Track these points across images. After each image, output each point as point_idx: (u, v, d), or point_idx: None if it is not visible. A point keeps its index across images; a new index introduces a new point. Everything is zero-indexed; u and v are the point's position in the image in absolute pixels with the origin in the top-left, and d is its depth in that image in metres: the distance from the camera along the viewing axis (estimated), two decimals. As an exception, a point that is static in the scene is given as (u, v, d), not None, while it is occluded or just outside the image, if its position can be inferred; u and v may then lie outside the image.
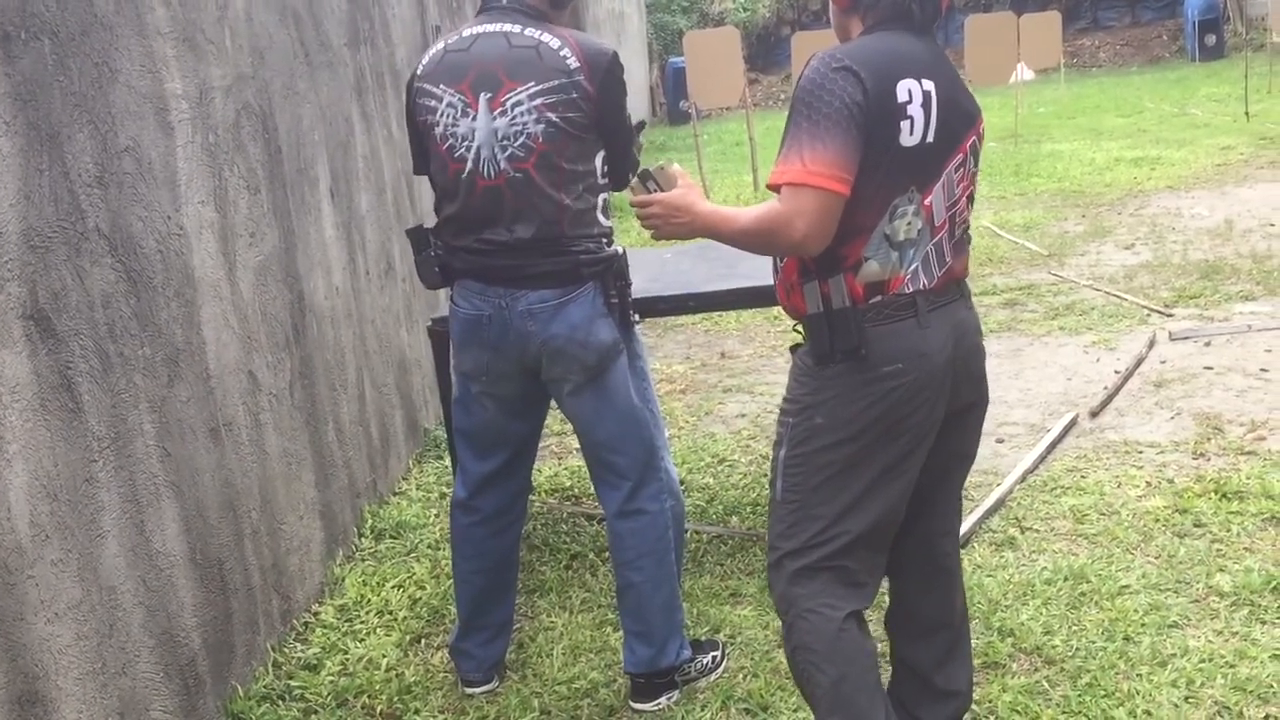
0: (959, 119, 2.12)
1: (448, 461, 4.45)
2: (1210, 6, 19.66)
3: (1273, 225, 7.22)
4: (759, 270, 3.65)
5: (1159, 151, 10.33)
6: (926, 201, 2.11)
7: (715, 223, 2.16)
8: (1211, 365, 4.79)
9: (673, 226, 2.20)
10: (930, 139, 2.07)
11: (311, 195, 3.70)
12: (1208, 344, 5.06)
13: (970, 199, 2.21)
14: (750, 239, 2.11)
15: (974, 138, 2.17)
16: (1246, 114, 11.89)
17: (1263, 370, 4.68)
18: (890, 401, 2.11)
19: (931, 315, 2.13)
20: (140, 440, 2.54)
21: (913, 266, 2.12)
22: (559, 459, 4.49)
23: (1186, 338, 5.13)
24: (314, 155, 3.75)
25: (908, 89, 2.03)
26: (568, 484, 4.20)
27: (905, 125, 2.03)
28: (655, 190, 2.22)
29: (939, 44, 2.20)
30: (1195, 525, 3.42)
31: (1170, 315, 5.49)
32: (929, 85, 2.06)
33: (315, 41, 3.85)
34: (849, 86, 2.00)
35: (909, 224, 2.10)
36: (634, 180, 2.26)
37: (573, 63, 2.57)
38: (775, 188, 2.04)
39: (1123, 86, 16.48)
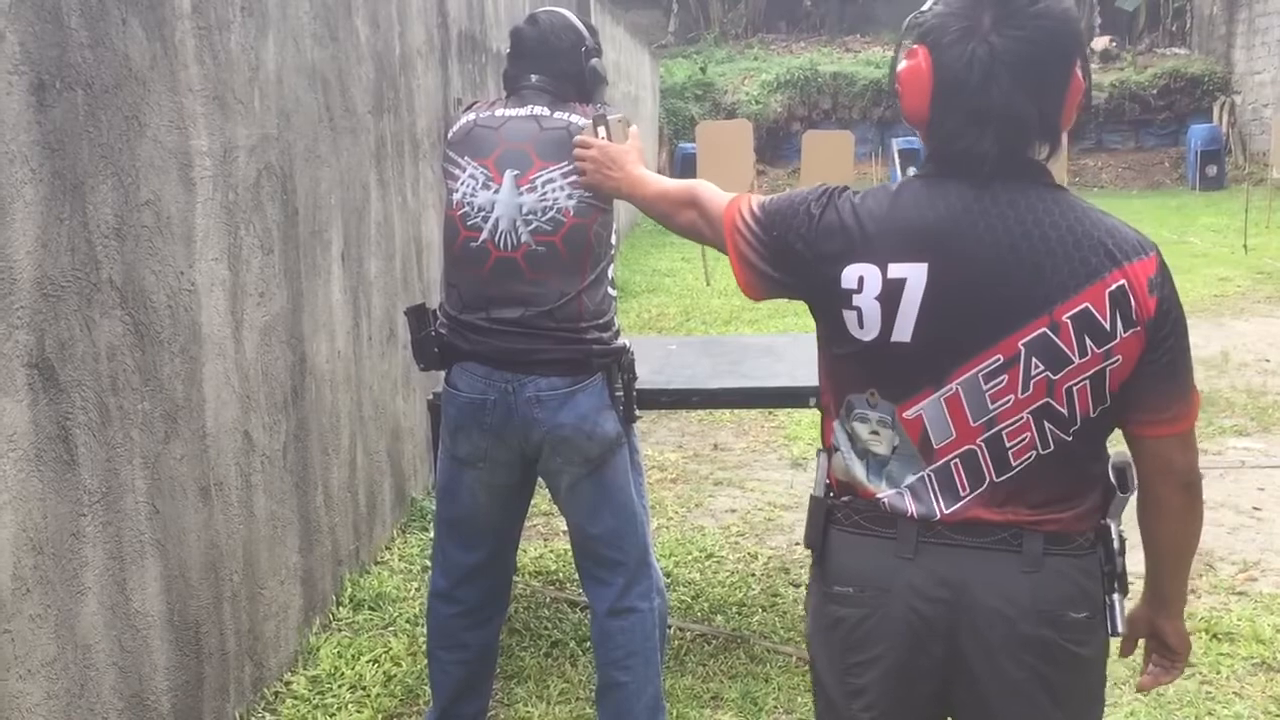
0: (995, 311, 1.60)
1: (432, 533, 4.40)
2: (1213, 138, 20.05)
3: (1268, 361, 7.27)
4: (762, 369, 3.67)
5: (1157, 277, 10.39)
6: (908, 415, 1.65)
7: (635, 183, 2.12)
8: (1205, 500, 4.77)
9: (603, 176, 2.17)
10: (905, 339, 1.62)
11: (323, 258, 3.70)
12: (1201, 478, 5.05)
13: (1061, 420, 1.61)
14: (654, 206, 2.07)
15: (1039, 331, 1.59)
16: (1245, 247, 12.05)
17: (1255, 509, 4.67)
18: (838, 635, 1.73)
19: (926, 548, 1.66)
20: (131, 496, 2.50)
21: (893, 490, 1.68)
22: (545, 540, 4.45)
23: (1180, 468, 5.13)
24: (329, 218, 3.76)
25: (859, 276, 1.63)
26: (552, 568, 4.15)
27: (850, 317, 1.65)
28: (604, 138, 2.21)
29: (1035, 198, 1.62)
30: (1187, 665, 3.38)
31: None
32: (911, 271, 1.60)
33: (341, 107, 3.88)
34: (801, 221, 1.71)
35: (875, 434, 1.68)
36: (588, 123, 2.25)
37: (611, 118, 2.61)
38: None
39: (1124, 209, 16.69)
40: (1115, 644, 1.78)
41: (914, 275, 1.61)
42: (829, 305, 1.68)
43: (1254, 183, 15.45)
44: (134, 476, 2.52)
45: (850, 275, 1.64)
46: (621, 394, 2.68)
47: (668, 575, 3.91)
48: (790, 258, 1.72)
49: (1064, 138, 1.70)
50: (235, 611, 3.03)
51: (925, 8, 1.67)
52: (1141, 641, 1.84)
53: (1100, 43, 23.40)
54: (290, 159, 3.42)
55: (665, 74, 21.49)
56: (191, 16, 2.80)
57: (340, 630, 3.64)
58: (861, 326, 1.65)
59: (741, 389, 3.40)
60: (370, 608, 3.80)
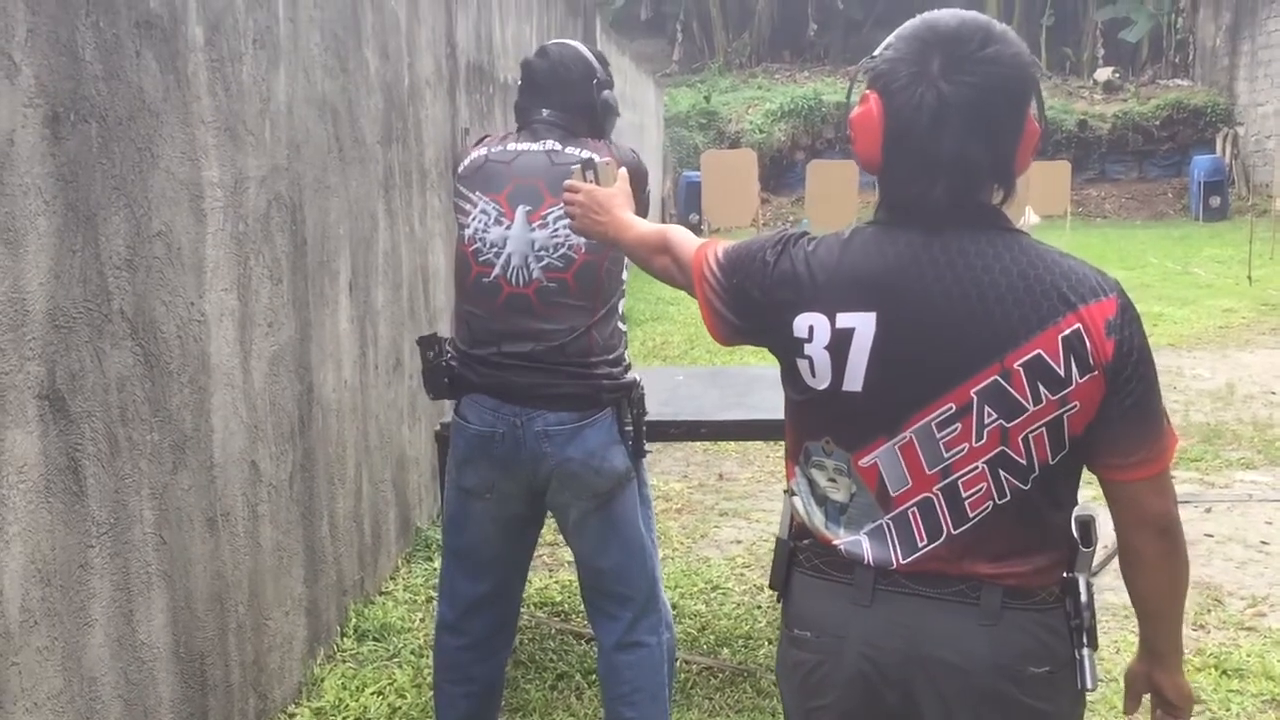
0: (946, 359, 1.57)
1: (437, 564, 4.39)
2: (1216, 169, 20.12)
3: (1274, 393, 7.27)
4: (770, 401, 3.66)
5: (1162, 308, 10.43)
6: (863, 463, 1.63)
7: (620, 227, 2.10)
8: (1212, 533, 4.76)
9: (590, 221, 2.15)
10: (856, 387, 1.60)
11: (331, 288, 3.71)
12: (1208, 510, 5.05)
13: (1017, 468, 1.58)
14: (634, 251, 2.07)
15: (991, 379, 1.55)
16: (1249, 278, 12.05)
17: (1263, 543, 4.66)
18: (798, 679, 1.72)
19: (882, 596, 1.63)
20: (139, 527, 2.50)
21: (851, 537, 1.65)
22: (550, 571, 4.43)
23: (1187, 502, 5.12)
24: (337, 248, 3.77)
25: (809, 325, 1.62)
26: (558, 599, 4.14)
27: (804, 365, 1.64)
28: (591, 181, 2.22)
29: (983, 241, 1.59)
30: (1196, 702, 3.36)
31: (1172, 477, 5.47)
32: (859, 320, 1.59)
33: (350, 137, 3.90)
34: (758, 268, 1.70)
35: (832, 481, 1.67)
36: (576, 167, 2.27)
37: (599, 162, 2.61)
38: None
39: (1127, 239, 16.74)
40: (1094, 697, 1.70)
41: (862, 325, 1.59)
42: (784, 353, 1.67)
43: (1258, 214, 15.48)
44: (142, 507, 2.52)
45: (801, 324, 1.63)
46: (631, 429, 2.68)
47: (674, 607, 3.90)
48: (749, 305, 1.71)
49: (1019, 182, 1.64)
50: (240, 643, 3.02)
51: (877, 52, 1.65)
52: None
53: (1103, 74, 23.53)
54: (300, 189, 3.43)
55: (670, 102, 21.61)
56: (204, 49, 2.81)
57: (345, 661, 3.62)
58: (814, 375, 1.63)
59: (750, 420, 3.39)
60: (375, 638, 3.78)
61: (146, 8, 2.54)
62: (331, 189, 3.71)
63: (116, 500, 2.41)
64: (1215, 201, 19.65)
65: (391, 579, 4.31)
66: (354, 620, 3.83)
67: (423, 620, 3.91)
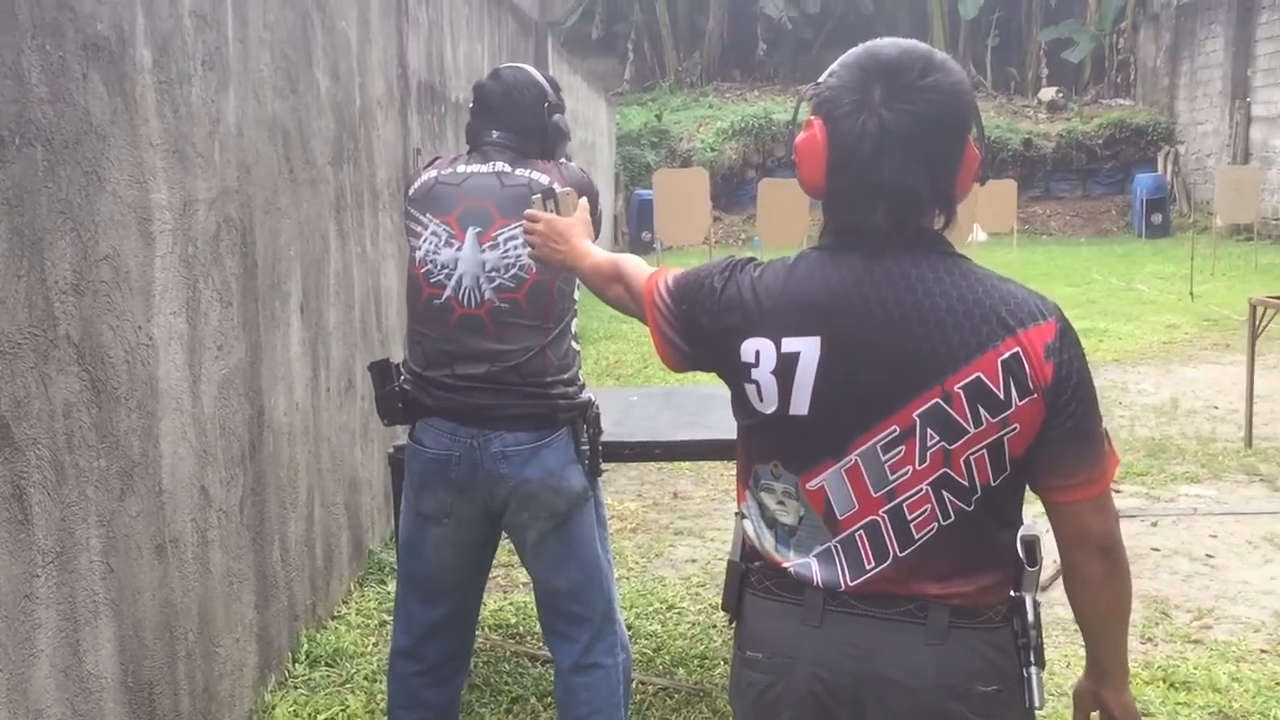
0: (889, 382, 1.59)
1: (390, 587, 4.36)
2: (1158, 187, 20.52)
3: (1216, 408, 7.40)
4: (724, 420, 3.67)
5: (1106, 324, 10.60)
6: (810, 486, 1.64)
7: (577, 256, 2.15)
8: (1158, 547, 4.84)
9: (549, 249, 2.20)
10: (802, 411, 1.62)
11: (282, 310, 3.68)
12: (1154, 524, 5.13)
13: (960, 490, 1.60)
14: (589, 279, 2.12)
15: (932, 402, 1.57)
16: (1191, 294, 12.28)
17: (1208, 556, 4.74)
18: (750, 700, 1.73)
19: (832, 617, 1.65)
20: (86, 555, 2.46)
21: (801, 560, 1.67)
22: (505, 593, 4.41)
23: (1134, 516, 5.20)
24: (288, 270, 3.74)
25: (755, 350, 1.63)
26: (513, 621, 4.12)
27: (751, 390, 1.65)
28: (552, 211, 2.24)
29: (929, 267, 1.62)
30: (1145, 714, 3.41)
31: (1119, 491, 5.57)
32: (804, 344, 1.61)
33: (301, 159, 3.87)
34: (705, 295, 1.71)
35: (781, 504, 1.68)
36: (537, 196, 2.28)
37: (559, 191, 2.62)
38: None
39: (1072, 256, 17.01)
40: (1043, 714, 1.72)
41: (807, 349, 1.61)
42: (732, 378, 1.69)
43: (1198, 231, 15.81)
44: (89, 535, 2.47)
45: (748, 349, 1.64)
46: (587, 448, 2.68)
47: (629, 627, 3.89)
48: (697, 331, 1.73)
49: (959, 208, 1.67)
50: (190, 671, 2.97)
51: (821, 79, 1.67)
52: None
53: (1047, 93, 23.92)
54: (250, 211, 3.41)
55: (621, 121, 21.67)
56: (153, 71, 2.79)
57: (296, 688, 3.58)
58: (761, 399, 1.64)
59: (705, 440, 3.40)
60: (327, 664, 3.74)
61: (94, 30, 2.51)
62: (282, 210, 3.68)
63: (63, 528, 2.37)
64: (1157, 218, 20.03)
65: (344, 603, 4.27)
66: (306, 646, 3.78)
67: (376, 645, 3.88)
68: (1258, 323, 6.38)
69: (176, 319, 2.90)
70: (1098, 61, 24.58)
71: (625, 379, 8.49)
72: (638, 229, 18.47)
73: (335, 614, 4.16)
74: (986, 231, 16.23)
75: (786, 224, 11.09)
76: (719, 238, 18.03)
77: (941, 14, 24.98)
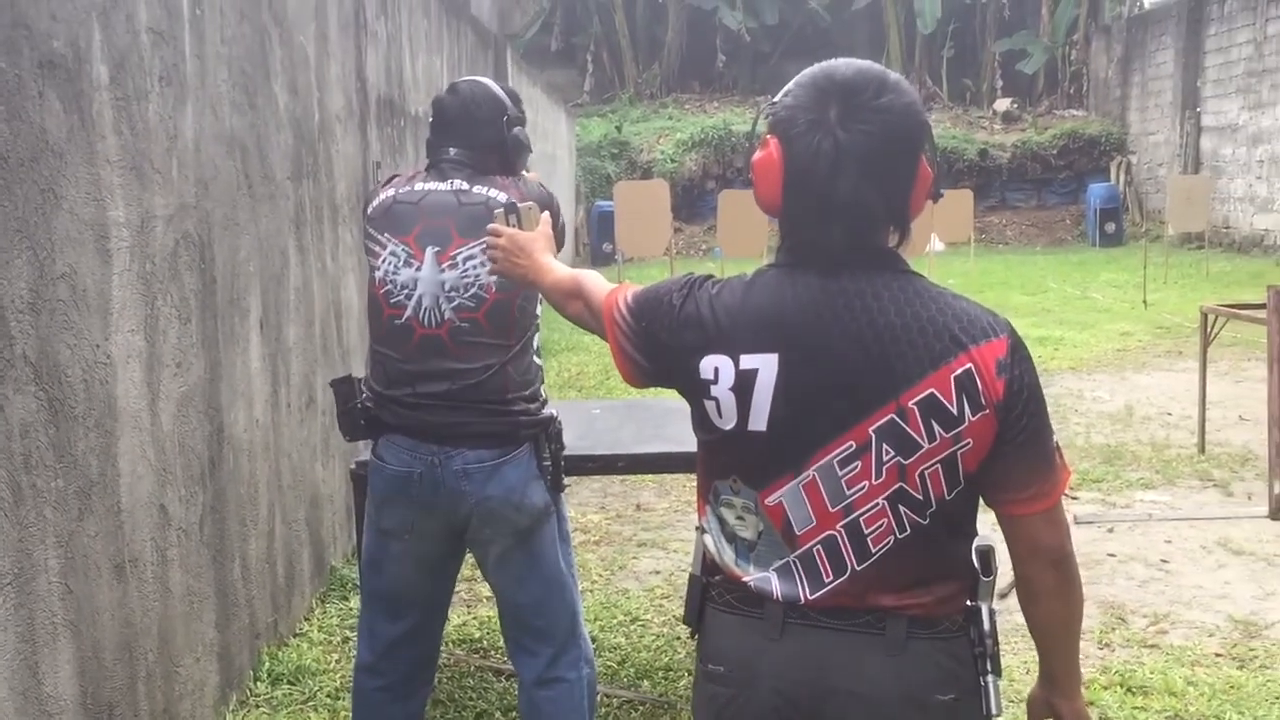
0: (845, 398, 1.61)
1: (352, 603, 4.33)
2: (1111, 196, 20.83)
3: (1169, 415, 7.51)
4: (686, 433, 3.69)
5: (1062, 332, 10.73)
6: (769, 501, 1.66)
7: (540, 271, 2.16)
8: (1114, 553, 4.90)
9: (511, 264, 2.21)
10: (760, 427, 1.64)
11: (241, 326, 3.66)
12: (1110, 530, 5.20)
13: (916, 504, 1.62)
14: (550, 295, 2.13)
15: (887, 418, 1.60)
16: (1144, 302, 12.46)
17: (1163, 561, 4.81)
18: (713, 711, 1.74)
19: (792, 629, 1.67)
20: (44, 577, 2.43)
21: (761, 574, 1.69)
22: (469, 608, 4.40)
23: (1090, 522, 5.26)
24: (247, 286, 3.72)
25: (714, 367, 1.65)
26: (476, 635, 4.11)
27: (710, 406, 1.67)
28: (515, 226, 2.25)
29: (881, 285, 1.64)
30: None
31: (1075, 498, 5.64)
32: (762, 361, 1.63)
33: (259, 174, 3.86)
34: (664, 312, 1.73)
35: (740, 519, 1.70)
36: (500, 211, 2.29)
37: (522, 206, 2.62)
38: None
39: (1028, 265, 17.22)
40: None
41: (765, 366, 1.63)
42: (692, 394, 1.70)
43: (1151, 239, 16.07)
44: (47, 556, 2.45)
45: (707, 366, 1.66)
46: (550, 464, 2.68)
47: (593, 640, 3.88)
48: (657, 347, 1.75)
49: (914, 225, 1.69)
50: (150, 691, 2.95)
51: (777, 98, 1.69)
52: None
53: (1002, 104, 24.22)
54: (209, 227, 3.39)
55: (581, 132, 21.70)
56: (109, 88, 2.77)
57: (258, 707, 3.55)
58: (720, 415, 1.66)
59: (667, 453, 3.42)
60: (289, 682, 3.71)
61: (50, 47, 2.50)
62: (241, 226, 3.67)
63: (20, 549, 2.35)
64: (1110, 228, 20.32)
65: (306, 620, 4.24)
66: (267, 664, 3.76)
67: (339, 661, 3.86)
68: (1209, 330, 6.49)
69: (135, 336, 2.88)
70: (1051, 73, 24.93)
71: (587, 390, 8.50)
72: (598, 240, 18.48)
73: (297, 631, 4.13)
74: (944, 241, 16.40)
75: (747, 235, 11.15)
76: (679, 249, 18.09)
77: (898, 26, 25.23)
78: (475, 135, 2.70)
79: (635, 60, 26.11)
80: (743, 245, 11.34)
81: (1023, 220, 22.26)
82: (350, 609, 4.29)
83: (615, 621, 4.24)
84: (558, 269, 2.16)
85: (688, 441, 3.57)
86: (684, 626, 4.16)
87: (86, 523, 2.63)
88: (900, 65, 24.84)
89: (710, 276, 1.77)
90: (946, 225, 14.65)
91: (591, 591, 4.56)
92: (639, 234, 10.94)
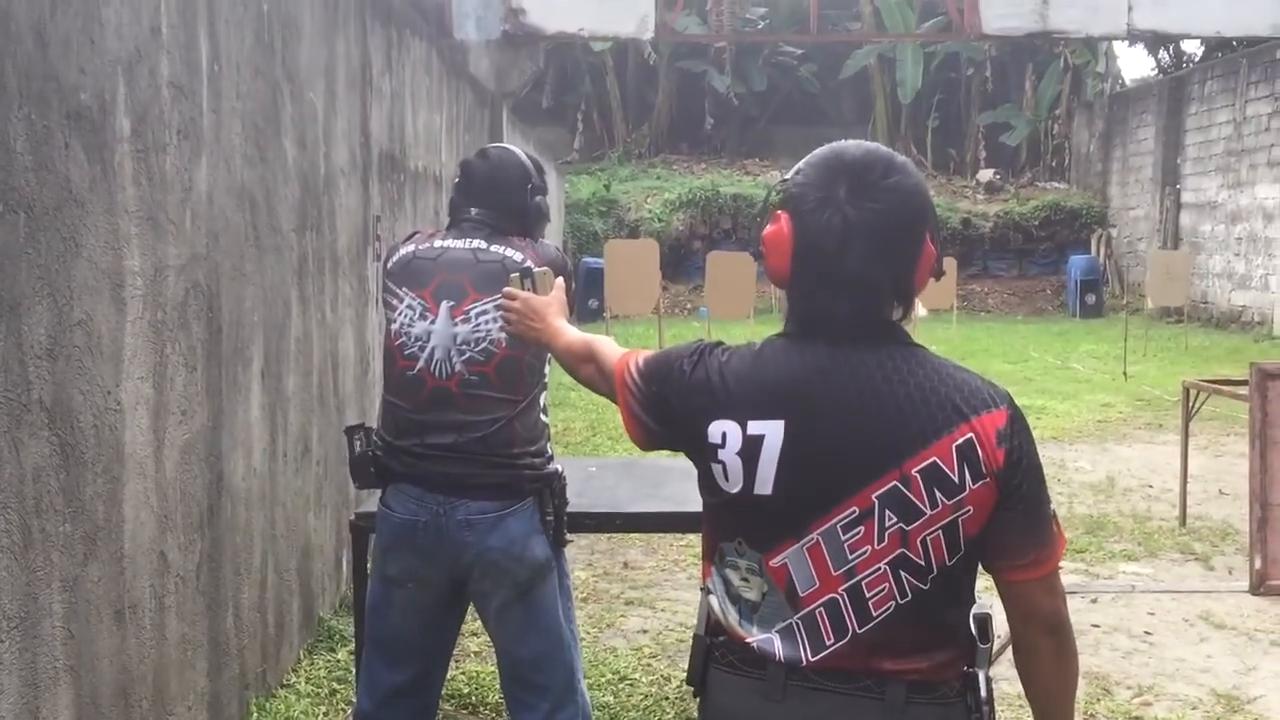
0: (849, 465, 1.65)
1: (340, 655, 4.33)
2: (1092, 268, 21.11)
3: (1151, 486, 7.59)
4: (684, 493, 3.72)
5: (1044, 402, 10.84)
6: (774, 563, 1.70)
7: (553, 334, 2.25)
8: (1098, 623, 4.94)
9: (525, 327, 2.30)
10: (766, 491, 1.68)
11: (244, 375, 3.70)
12: (1094, 601, 5.24)
13: (917, 569, 1.66)
14: (563, 358, 2.21)
15: (890, 484, 1.64)
16: (1125, 374, 12.60)
17: (1147, 633, 4.85)
18: None
19: (794, 691, 1.69)
20: (48, 621, 2.45)
21: (763, 635, 1.71)
22: (457, 663, 4.38)
23: (1074, 593, 5.31)
24: (251, 335, 3.76)
25: (722, 431, 1.70)
26: (465, 690, 4.10)
27: (717, 469, 1.72)
28: (529, 290, 2.31)
29: (888, 356, 1.69)
30: (1088, 789, 3.48)
31: (1059, 568, 5.67)
32: (769, 427, 1.68)
33: (267, 225, 3.91)
34: (675, 377, 1.79)
35: (745, 581, 1.74)
36: (515, 275, 2.35)
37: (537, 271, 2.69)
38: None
39: (1010, 334, 17.39)
40: None
41: (771, 432, 1.68)
42: (700, 458, 1.75)
43: (1131, 312, 16.23)
44: (52, 600, 2.47)
45: (715, 431, 1.71)
46: (552, 519, 2.72)
47: (582, 699, 3.90)
48: (666, 412, 1.81)
49: (918, 301, 1.76)
50: (143, 739, 2.94)
51: (789, 175, 1.76)
52: None
53: (985, 175, 24.57)
54: (217, 277, 3.44)
55: (570, 189, 21.90)
56: (131, 140, 2.83)
57: (246, 757, 3.54)
58: (727, 479, 1.71)
59: (664, 513, 3.45)
60: (277, 733, 3.70)
61: (77, 100, 2.56)
62: (247, 276, 3.71)
63: (27, 594, 2.36)
64: (1091, 299, 20.58)
65: (293, 671, 4.23)
66: (255, 715, 3.74)
67: (326, 714, 3.85)
68: (1191, 404, 6.59)
69: (144, 384, 2.92)
70: (1034, 146, 25.34)
71: (574, 447, 8.52)
72: (585, 296, 18.59)
73: (285, 682, 4.12)
74: (927, 308, 16.55)
75: (734, 295, 11.27)
76: (666, 307, 18.20)
77: (884, 96, 25.63)
78: (498, 199, 2.78)
79: (625, 120, 26.40)
80: (730, 306, 11.44)
81: (1004, 289, 22.50)
82: (338, 661, 4.28)
83: (603, 680, 4.25)
84: (570, 333, 2.22)
85: (685, 501, 3.61)
86: (672, 686, 4.18)
87: (90, 568, 2.64)
88: (886, 134, 25.23)
89: (720, 343, 1.83)
90: (929, 292, 14.66)
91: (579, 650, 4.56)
92: (628, 292, 11.04)
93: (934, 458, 1.64)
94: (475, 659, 4.32)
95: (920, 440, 1.64)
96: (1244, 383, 5.75)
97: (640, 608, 5.15)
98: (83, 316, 2.59)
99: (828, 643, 1.69)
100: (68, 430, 2.53)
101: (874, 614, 1.67)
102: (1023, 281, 22.70)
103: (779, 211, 1.74)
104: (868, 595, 1.67)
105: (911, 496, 1.64)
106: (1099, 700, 4.15)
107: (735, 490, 1.71)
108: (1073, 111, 24.63)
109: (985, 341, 16.00)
